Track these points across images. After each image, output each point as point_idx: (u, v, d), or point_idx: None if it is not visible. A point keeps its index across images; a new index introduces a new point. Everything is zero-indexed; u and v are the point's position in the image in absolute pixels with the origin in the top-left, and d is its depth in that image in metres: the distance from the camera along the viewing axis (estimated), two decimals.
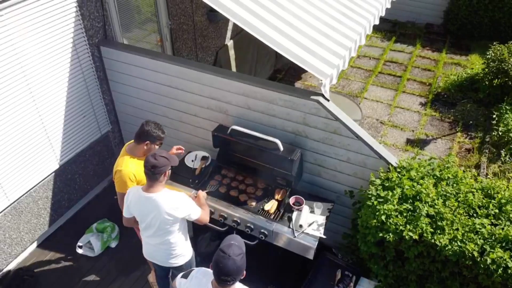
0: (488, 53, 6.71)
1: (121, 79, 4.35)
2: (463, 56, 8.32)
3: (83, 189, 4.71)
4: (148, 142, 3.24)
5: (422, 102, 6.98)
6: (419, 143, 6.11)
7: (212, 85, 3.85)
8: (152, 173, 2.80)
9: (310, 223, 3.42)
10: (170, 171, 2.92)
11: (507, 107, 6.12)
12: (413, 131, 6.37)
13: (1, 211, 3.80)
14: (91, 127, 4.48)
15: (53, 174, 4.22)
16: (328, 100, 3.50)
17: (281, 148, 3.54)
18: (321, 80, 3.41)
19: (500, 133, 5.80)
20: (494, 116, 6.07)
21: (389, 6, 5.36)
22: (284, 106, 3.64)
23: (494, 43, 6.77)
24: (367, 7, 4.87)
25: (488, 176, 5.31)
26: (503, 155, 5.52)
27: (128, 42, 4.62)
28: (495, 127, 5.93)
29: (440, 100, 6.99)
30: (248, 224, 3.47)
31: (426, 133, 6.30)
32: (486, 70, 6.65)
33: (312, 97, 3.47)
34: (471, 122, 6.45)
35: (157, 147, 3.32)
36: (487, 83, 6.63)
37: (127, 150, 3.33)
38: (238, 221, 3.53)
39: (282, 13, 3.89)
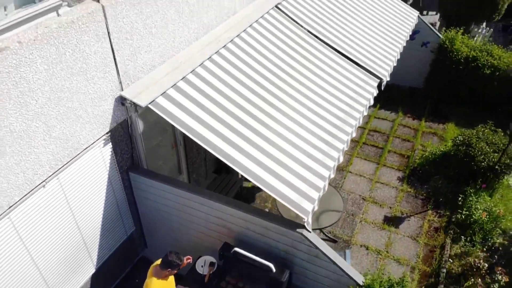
0: (457, 137, 7.69)
1: (145, 196, 5.32)
2: (441, 124, 9.30)
3: None
4: (169, 269, 4.22)
5: (400, 176, 7.95)
6: (395, 221, 7.07)
7: (219, 209, 4.81)
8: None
9: None
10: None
11: (471, 190, 7.10)
12: (390, 207, 7.34)
13: None
14: (119, 231, 5.44)
15: (90, 276, 5.19)
16: (310, 232, 4.47)
17: (274, 270, 4.51)
18: (304, 219, 4.37)
19: (463, 216, 6.78)
20: (460, 198, 7.05)
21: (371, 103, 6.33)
22: (276, 232, 4.60)
23: (463, 129, 7.77)
24: (350, 123, 5.83)
25: (449, 260, 6.28)
26: (463, 240, 6.49)
27: (149, 149, 5.57)
28: (459, 210, 6.91)
29: (416, 175, 7.96)
30: None
31: (401, 210, 7.27)
32: (456, 152, 7.62)
33: (297, 229, 4.44)
34: (441, 199, 7.42)
35: (175, 271, 4.29)
36: (456, 164, 7.60)
37: (154, 273, 4.29)
38: None
39: (257, 139, 4.86)
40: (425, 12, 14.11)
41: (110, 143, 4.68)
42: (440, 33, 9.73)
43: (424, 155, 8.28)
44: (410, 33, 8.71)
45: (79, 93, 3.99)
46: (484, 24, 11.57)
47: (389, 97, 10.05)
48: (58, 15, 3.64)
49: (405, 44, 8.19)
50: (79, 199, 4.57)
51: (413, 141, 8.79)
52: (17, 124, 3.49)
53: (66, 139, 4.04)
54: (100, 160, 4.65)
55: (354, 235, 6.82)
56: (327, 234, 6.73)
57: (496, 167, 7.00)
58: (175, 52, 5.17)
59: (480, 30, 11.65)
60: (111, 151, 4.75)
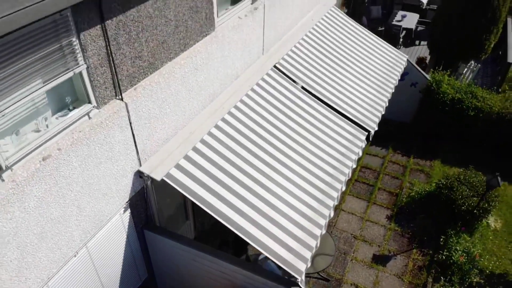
0: (440, 180, 8.37)
1: (158, 249, 5.99)
2: (428, 161, 9.98)
3: None
4: None
5: (388, 215, 8.63)
6: (382, 260, 7.76)
7: (223, 266, 5.49)
8: None
9: None
10: None
11: (452, 232, 7.79)
12: (379, 246, 8.02)
13: None
14: (134, 278, 6.12)
15: None
16: None
17: None
18: (298, 279, 5.06)
19: (444, 256, 7.47)
20: (441, 239, 7.73)
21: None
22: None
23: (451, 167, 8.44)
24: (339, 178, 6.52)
25: None
26: (443, 280, 7.18)
27: (160, 206, 6.24)
28: (440, 251, 7.60)
29: (403, 214, 8.64)
30: None
31: (389, 249, 7.96)
32: (439, 194, 8.31)
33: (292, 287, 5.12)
34: (425, 238, 8.11)
35: None
36: (439, 205, 8.28)
37: None
38: None
39: (252, 198, 5.54)
40: (417, 42, 14.79)
41: (129, 209, 5.36)
42: (428, 74, 10.41)
43: (411, 194, 8.96)
44: (399, 78, 9.38)
45: (106, 176, 4.67)
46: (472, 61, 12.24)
47: (380, 132, 10.70)
48: (89, 118, 4.30)
49: (393, 91, 8.87)
50: (102, 257, 5.25)
51: (402, 179, 9.47)
52: (56, 213, 4.17)
53: (94, 215, 4.72)
54: (119, 223, 5.33)
55: (345, 274, 7.50)
56: (321, 274, 7.41)
57: (475, 211, 7.69)
58: (186, 123, 5.85)
59: (468, 65, 12.33)
60: (129, 215, 5.43)
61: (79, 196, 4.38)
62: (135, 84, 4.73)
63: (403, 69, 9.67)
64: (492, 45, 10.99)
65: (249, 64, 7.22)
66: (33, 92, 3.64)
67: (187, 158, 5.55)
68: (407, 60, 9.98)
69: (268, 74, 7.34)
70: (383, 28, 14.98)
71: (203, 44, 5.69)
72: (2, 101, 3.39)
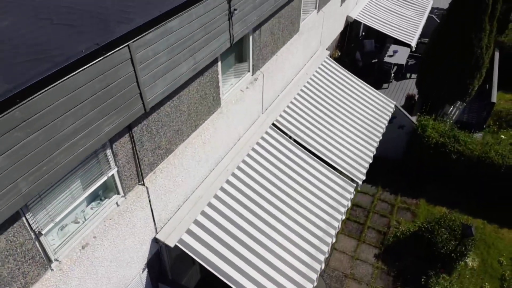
0: (423, 223, 9.22)
1: None
2: (414, 199, 10.83)
3: None
4: None
5: (376, 253, 9.48)
6: None
7: None
8: None
9: None
10: None
11: (433, 272, 8.64)
12: (367, 284, 8.87)
13: None
14: None
15: None
16: None
17: None
18: None
19: None
20: (422, 279, 8.58)
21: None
22: None
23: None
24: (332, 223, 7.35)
25: None
26: None
27: (173, 258, 7.05)
28: None
29: (389, 253, 9.48)
30: None
31: (376, 287, 8.81)
32: (421, 236, 9.15)
33: None
34: (408, 276, 8.96)
35: None
36: (421, 247, 9.13)
37: None
38: None
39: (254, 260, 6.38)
40: (408, 75, 15.62)
41: (146, 269, 6.20)
42: (415, 117, 11.26)
43: (397, 233, 9.81)
44: (386, 124, 10.22)
45: (129, 248, 5.50)
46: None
47: (371, 169, 11.55)
48: (118, 205, 5.12)
49: (381, 138, 9.72)
50: None
51: (390, 217, 10.32)
52: (91, 286, 5.00)
53: (119, 281, 5.55)
54: (139, 282, 6.16)
55: None
56: None
57: (452, 254, 8.54)
58: (195, 188, 6.68)
59: (454, 104, 13.18)
60: (147, 274, 6.27)
61: (108, 269, 5.21)
62: (154, 169, 5.56)
63: (390, 115, 10.51)
64: (476, 88, 11.82)
65: (250, 124, 8.04)
66: (76, 198, 4.47)
67: (197, 222, 6.38)
68: (395, 105, 10.82)
69: (267, 133, 8.18)
70: (376, 60, 15.82)
71: (211, 121, 6.52)
72: (54, 211, 4.22)
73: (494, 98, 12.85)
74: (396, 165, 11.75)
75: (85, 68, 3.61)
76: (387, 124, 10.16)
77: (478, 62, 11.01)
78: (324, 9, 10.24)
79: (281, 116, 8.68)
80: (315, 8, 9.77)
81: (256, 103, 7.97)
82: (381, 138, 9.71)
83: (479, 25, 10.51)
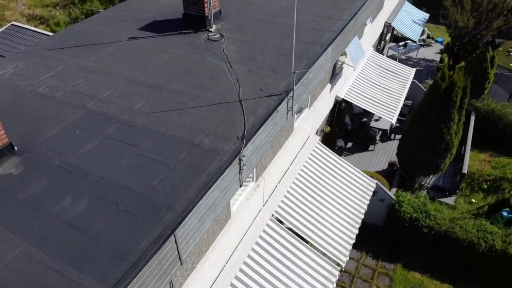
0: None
1: None
2: (392, 264, 12.63)
3: None
4: None
5: None
6: None
7: None
8: None
9: None
10: None
11: None
12: None
13: None
14: None
15: None
16: None
17: None
18: None
19: None
20: None
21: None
22: None
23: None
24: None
25: None
26: None
27: None
28: None
29: None
30: None
31: None
32: None
33: None
34: None
35: None
36: None
37: None
38: None
39: None
40: (392, 136, 17.47)
41: None
42: (394, 192, 13.08)
43: None
44: (368, 203, 12.03)
45: None
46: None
47: (357, 235, 13.37)
48: None
49: (363, 216, 11.52)
50: None
51: (371, 282, 12.12)
52: None
53: None
54: None
55: None
56: None
57: None
58: None
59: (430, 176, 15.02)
60: None
61: None
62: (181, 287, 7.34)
63: (372, 192, 12.32)
64: (448, 164, 13.64)
65: (253, 218, 9.84)
66: None
67: None
68: (376, 183, 12.64)
69: (268, 225, 9.98)
70: (365, 120, 17.66)
71: (223, 233, 8.31)
72: None
73: (465, 169, 14.68)
74: (378, 230, 13.55)
75: (148, 261, 5.41)
76: (368, 203, 11.97)
77: (448, 145, 12.85)
78: (315, 104, 12.06)
79: (279, 207, 10.48)
80: (307, 106, 11.60)
81: (259, 202, 9.77)
82: (363, 216, 11.51)
83: (449, 117, 12.35)
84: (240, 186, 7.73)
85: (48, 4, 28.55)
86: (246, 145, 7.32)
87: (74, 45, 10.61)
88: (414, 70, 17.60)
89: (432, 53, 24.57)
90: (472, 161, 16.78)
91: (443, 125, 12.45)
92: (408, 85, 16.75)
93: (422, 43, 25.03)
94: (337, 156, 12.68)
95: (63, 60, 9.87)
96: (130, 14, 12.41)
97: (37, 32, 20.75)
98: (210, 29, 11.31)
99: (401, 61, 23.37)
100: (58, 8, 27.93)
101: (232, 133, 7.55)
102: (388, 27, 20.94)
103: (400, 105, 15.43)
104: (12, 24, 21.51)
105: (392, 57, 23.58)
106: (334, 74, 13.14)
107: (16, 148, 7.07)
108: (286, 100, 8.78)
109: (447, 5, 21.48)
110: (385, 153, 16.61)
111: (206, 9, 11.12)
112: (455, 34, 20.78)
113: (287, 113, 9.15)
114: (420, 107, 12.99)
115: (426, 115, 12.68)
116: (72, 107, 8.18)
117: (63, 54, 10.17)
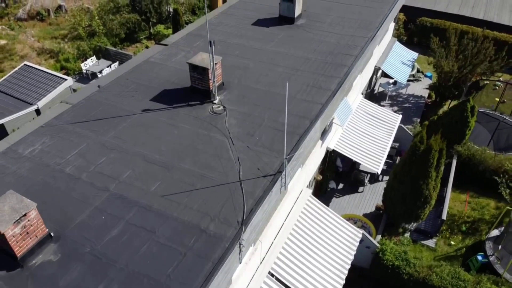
0: None
1: None
2: None
3: None
4: None
5: None
6: None
7: None
8: None
9: None
10: None
11: None
12: None
13: None
14: None
15: None
16: None
17: None
18: None
19: None
20: None
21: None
22: None
23: None
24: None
25: None
26: None
27: None
28: None
29: None
30: None
31: None
32: None
33: None
34: None
35: None
36: None
37: None
38: None
39: None
40: (380, 178, 18.89)
41: None
42: (377, 238, 14.49)
43: None
44: (355, 252, 13.43)
45: None
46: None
47: (346, 278, 14.76)
48: None
49: (349, 266, 12.91)
50: None
51: None
52: None
53: None
54: None
55: None
56: None
57: None
58: None
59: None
60: None
61: None
62: None
63: (357, 244, 13.73)
64: (427, 213, 15.07)
65: (252, 275, 11.22)
66: None
67: None
68: (362, 233, 14.05)
69: (264, 282, 11.36)
70: (355, 161, 19.07)
71: None
72: None
73: (444, 215, 16.11)
74: (366, 272, 14.96)
75: None
76: (355, 252, 13.37)
77: (427, 199, 14.28)
78: (307, 161, 13.47)
79: (275, 263, 11.88)
80: (300, 166, 13.01)
81: (256, 261, 11.16)
82: (349, 266, 12.92)
83: (427, 175, 13.78)
84: (240, 263, 9.12)
85: (56, 36, 29.96)
86: (245, 230, 8.72)
87: (93, 118, 12.02)
88: (400, 116, 19.05)
89: (421, 88, 26.03)
90: (453, 202, 18.21)
91: (421, 182, 13.89)
92: (394, 132, 18.17)
93: (411, 78, 26.49)
94: (327, 208, 14.09)
95: (85, 136, 11.27)
96: (142, 81, 13.83)
97: (48, 73, 22.15)
98: (214, 101, 12.74)
99: (391, 97, 24.87)
100: (66, 40, 29.32)
101: (233, 216, 8.96)
102: (378, 70, 22.42)
103: (386, 154, 16.85)
104: (24, 65, 22.95)
105: (382, 93, 25.10)
106: (325, 132, 14.56)
107: (52, 234, 8.45)
108: (280, 178, 10.19)
109: (434, 47, 22.97)
110: (373, 195, 18.03)
111: (211, 85, 12.55)
112: (440, 77, 22.25)
113: (281, 188, 10.56)
114: (402, 164, 14.43)
115: (407, 172, 14.11)
116: (97, 189, 9.58)
117: (84, 128, 11.58)
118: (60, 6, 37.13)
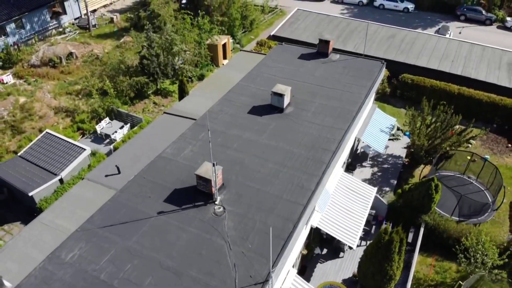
0: None
1: None
2: None
3: None
4: None
5: None
6: None
7: None
8: None
9: None
10: None
11: None
12: None
13: None
14: None
15: None
16: None
17: None
18: None
19: None
20: None
21: None
22: None
23: None
24: None
25: None
26: None
27: None
28: None
29: None
30: None
31: None
32: None
33: None
34: None
35: None
36: None
37: None
38: None
39: None
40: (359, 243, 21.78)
41: None
42: None
43: None
44: None
45: None
46: None
47: None
48: None
49: None
50: None
51: None
52: None
53: None
54: None
55: None
56: None
57: None
58: None
59: None
60: None
61: None
62: None
63: None
64: (398, 278, 17.97)
65: None
66: None
67: None
68: None
69: None
70: None
71: None
72: None
73: (408, 285, 19.01)
74: None
75: None
76: None
77: (391, 276, 17.20)
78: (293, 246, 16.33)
79: None
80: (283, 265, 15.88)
81: None
82: None
83: (391, 259, 16.71)
84: None
85: (71, 92, 32.90)
86: None
87: (118, 222, 14.91)
88: (375, 189, 22.00)
89: (399, 147, 28.96)
90: (419, 265, 21.11)
91: (386, 264, 16.82)
92: (370, 204, 21.09)
93: (391, 137, 29.46)
94: (309, 285, 16.97)
95: (113, 242, 14.15)
96: (157, 179, 16.74)
97: (69, 142, 25.04)
98: (215, 202, 15.67)
99: (372, 158, 27.81)
100: (80, 97, 32.26)
101: None
102: (358, 140, 25.41)
103: (361, 228, 19.75)
104: (47, 132, 25.89)
105: (364, 153, 28.03)
106: (308, 219, 17.49)
107: None
108: (267, 285, 13.06)
109: (424, 107, 25.78)
110: (352, 261, 20.89)
111: (212, 189, 15.49)
112: (413, 148, 25.29)
113: None
114: (371, 247, 17.37)
115: (374, 254, 17.05)
116: None
117: (112, 233, 14.47)
118: (71, 53, 40.16)
